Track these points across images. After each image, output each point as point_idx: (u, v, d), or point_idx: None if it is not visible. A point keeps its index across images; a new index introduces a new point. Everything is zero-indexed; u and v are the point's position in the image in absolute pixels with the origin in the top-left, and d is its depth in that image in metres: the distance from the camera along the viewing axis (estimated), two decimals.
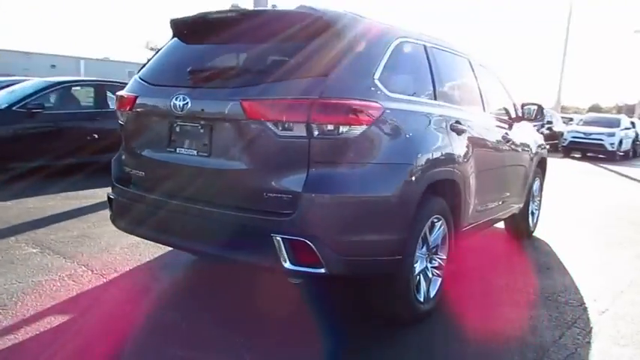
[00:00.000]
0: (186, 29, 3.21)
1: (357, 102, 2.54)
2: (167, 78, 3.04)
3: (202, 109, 2.71)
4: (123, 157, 3.30)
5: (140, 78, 3.18)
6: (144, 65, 3.33)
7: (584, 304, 3.53)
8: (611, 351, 2.87)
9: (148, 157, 3.06)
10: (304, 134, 2.45)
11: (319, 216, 2.49)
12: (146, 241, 4.10)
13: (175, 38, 3.26)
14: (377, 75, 2.73)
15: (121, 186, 3.20)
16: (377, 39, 2.87)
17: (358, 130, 2.52)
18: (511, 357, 2.73)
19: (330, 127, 2.46)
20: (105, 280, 3.53)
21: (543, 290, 3.76)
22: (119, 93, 3.27)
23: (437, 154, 3.00)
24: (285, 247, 2.45)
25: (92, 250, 4.14)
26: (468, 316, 3.15)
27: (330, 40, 2.65)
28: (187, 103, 2.71)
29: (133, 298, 3.30)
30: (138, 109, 3.07)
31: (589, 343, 2.94)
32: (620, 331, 3.12)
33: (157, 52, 3.35)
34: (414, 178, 2.76)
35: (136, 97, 3.06)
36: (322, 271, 2.46)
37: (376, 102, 2.63)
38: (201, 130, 2.76)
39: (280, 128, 2.49)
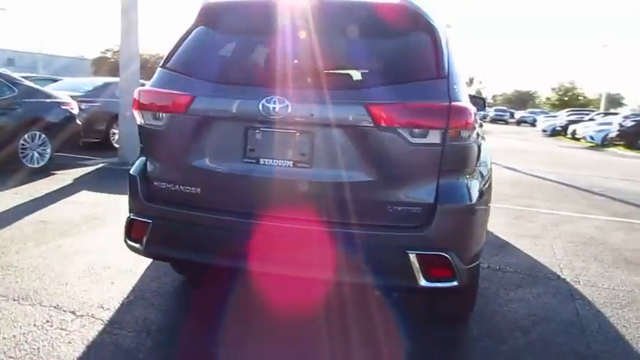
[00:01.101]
0: (252, 18, 2.65)
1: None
2: (242, 76, 2.55)
3: (311, 114, 2.31)
4: (156, 169, 2.64)
5: (185, 74, 2.57)
6: (169, 57, 2.68)
7: None
8: None
9: (212, 170, 2.48)
10: (438, 141, 2.28)
11: (455, 227, 2.36)
12: (106, 262, 3.56)
13: (225, 27, 2.68)
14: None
15: (160, 206, 2.56)
16: (448, 37, 2.78)
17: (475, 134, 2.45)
18: None
19: (460, 132, 2.33)
20: (102, 323, 2.76)
21: None
22: (152, 90, 2.61)
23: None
24: (419, 263, 2.27)
25: (45, 285, 3.19)
26: None
27: (430, 37, 2.49)
28: (286, 106, 2.30)
29: (156, 338, 2.67)
30: (195, 113, 2.46)
31: None
32: None
33: (185, 41, 2.70)
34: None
35: (193, 98, 2.44)
36: (455, 284, 2.34)
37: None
38: (299, 138, 2.37)
39: (413, 135, 2.26)
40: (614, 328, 3.03)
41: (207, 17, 2.70)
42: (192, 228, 2.50)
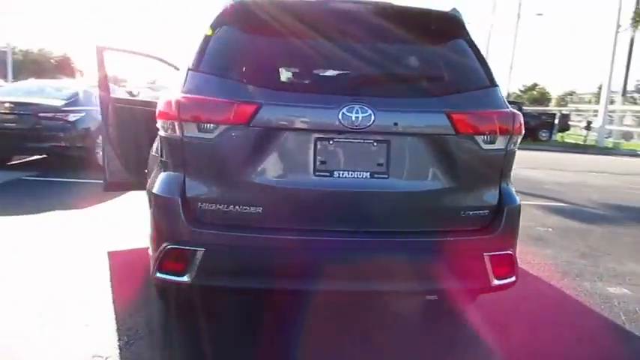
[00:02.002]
0: (308, 19, 2.44)
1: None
2: (312, 83, 2.42)
3: (395, 123, 2.27)
4: (202, 188, 2.28)
5: (236, 79, 2.34)
6: (205, 59, 2.34)
7: None
8: None
9: (276, 186, 2.29)
10: (503, 146, 2.42)
11: (515, 226, 2.51)
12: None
13: (281, 28, 2.43)
14: None
15: (213, 231, 2.25)
16: None
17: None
18: None
19: (517, 137, 2.48)
20: None
21: None
22: (202, 98, 2.25)
23: None
24: (491, 263, 2.39)
25: None
26: None
27: (474, 47, 2.58)
28: (370, 115, 2.22)
29: None
30: (260, 124, 2.21)
31: None
32: None
33: (223, 42, 2.41)
34: None
35: (259, 107, 2.20)
36: (514, 279, 2.50)
37: None
38: (375, 148, 2.31)
39: (485, 142, 2.36)
40: None
41: (248, 15, 2.43)
42: (255, 252, 2.25)
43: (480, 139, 2.35)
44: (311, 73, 2.56)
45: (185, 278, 2.25)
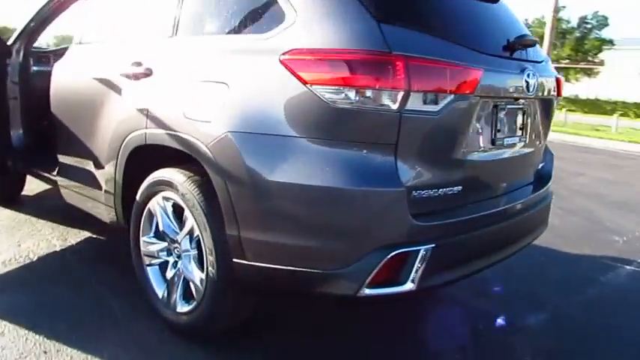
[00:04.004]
0: None
1: None
2: (493, 44, 2.09)
3: (550, 89, 2.40)
4: (417, 174, 1.80)
5: (455, 41, 1.89)
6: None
7: None
8: None
9: (479, 160, 2.04)
10: None
11: None
12: None
13: None
14: None
15: (437, 222, 1.82)
16: None
17: None
18: None
19: None
20: None
21: None
22: (430, 60, 1.74)
23: None
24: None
25: None
26: None
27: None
28: (537, 80, 2.19)
29: None
30: (479, 93, 1.88)
31: None
32: None
33: None
34: None
35: (483, 72, 1.87)
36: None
37: None
38: (520, 114, 2.26)
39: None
40: None
41: None
42: (471, 236, 1.93)
43: (556, 100, 2.53)
44: (490, 35, 2.17)
45: (408, 286, 1.76)
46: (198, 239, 2.01)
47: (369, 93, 1.65)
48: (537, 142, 2.41)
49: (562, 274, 3.21)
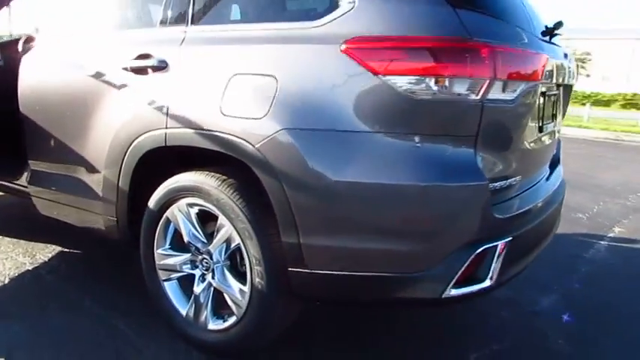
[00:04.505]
0: None
1: None
2: (536, 26, 2.01)
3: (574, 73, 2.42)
4: (491, 165, 1.68)
5: (516, 25, 1.79)
6: None
7: None
8: None
9: (528, 148, 1.91)
10: None
11: None
12: None
13: None
14: None
15: (512, 214, 1.75)
16: None
17: None
18: None
19: None
20: None
21: None
22: (514, 49, 1.69)
23: None
24: None
25: None
26: None
27: None
28: (570, 61, 2.28)
29: None
30: (543, 79, 1.86)
31: None
32: None
33: None
34: None
35: (548, 59, 1.87)
36: None
37: None
38: (554, 99, 2.24)
39: None
40: None
41: None
42: (533, 227, 1.87)
43: None
44: (534, 20, 2.05)
45: (487, 283, 1.68)
46: (235, 249, 1.82)
47: (451, 82, 1.53)
48: (559, 128, 2.45)
49: (547, 254, 3.31)
